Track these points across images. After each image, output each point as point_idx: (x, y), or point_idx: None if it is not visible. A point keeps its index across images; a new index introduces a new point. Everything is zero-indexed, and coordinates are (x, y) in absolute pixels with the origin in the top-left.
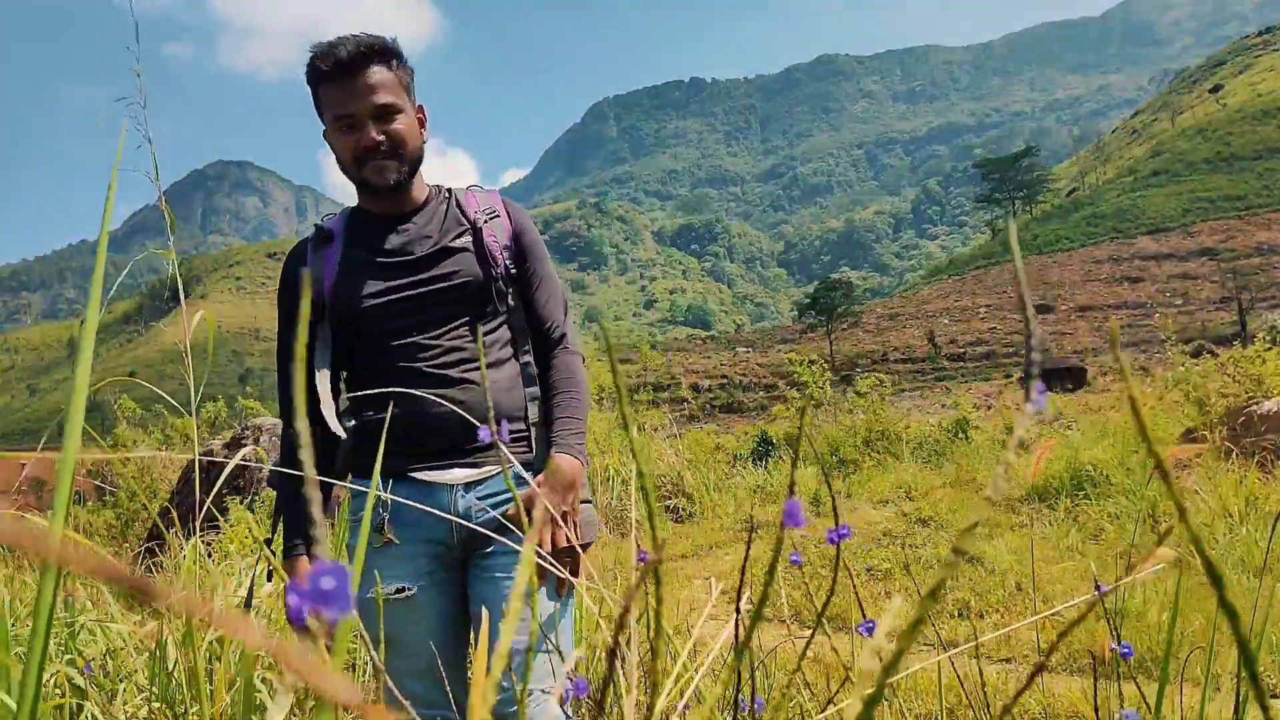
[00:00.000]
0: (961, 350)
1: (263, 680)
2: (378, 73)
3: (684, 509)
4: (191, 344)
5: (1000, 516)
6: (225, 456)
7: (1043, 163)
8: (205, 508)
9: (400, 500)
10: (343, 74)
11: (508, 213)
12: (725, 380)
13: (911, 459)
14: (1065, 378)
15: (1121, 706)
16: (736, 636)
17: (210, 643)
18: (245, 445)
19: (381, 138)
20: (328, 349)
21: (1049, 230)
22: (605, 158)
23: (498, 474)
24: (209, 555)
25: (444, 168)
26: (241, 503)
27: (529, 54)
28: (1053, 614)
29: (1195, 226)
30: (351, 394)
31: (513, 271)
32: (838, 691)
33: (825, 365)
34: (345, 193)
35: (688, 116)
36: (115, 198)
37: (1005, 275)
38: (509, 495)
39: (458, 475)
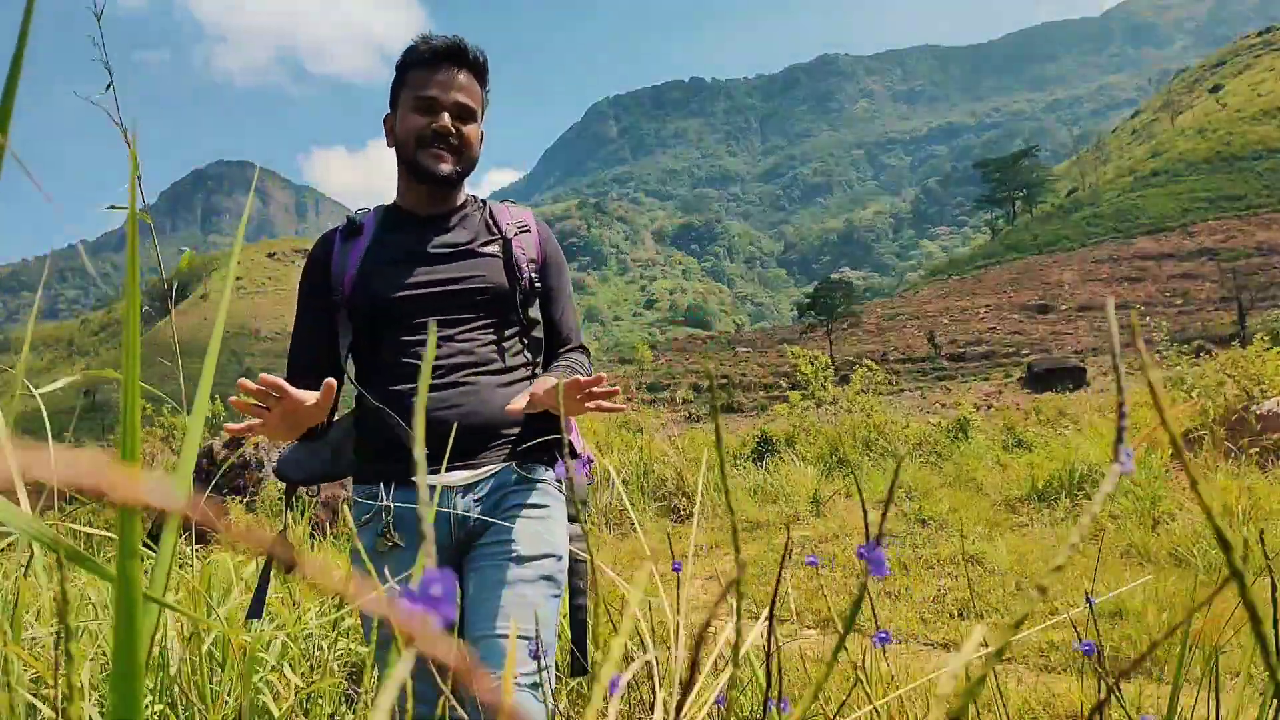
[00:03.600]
0: (961, 350)
1: (265, 683)
2: (469, 79)
3: (684, 509)
4: (187, 340)
5: (1000, 516)
6: (225, 456)
7: (1043, 163)
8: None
9: (403, 505)
10: (439, 61)
11: (537, 228)
12: (725, 380)
13: (911, 459)
14: (1065, 378)
15: (1124, 706)
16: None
17: (212, 645)
18: (244, 445)
19: (454, 130)
20: (348, 339)
21: (1049, 230)
22: (605, 158)
23: (491, 475)
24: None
25: None
26: (241, 502)
27: (526, 55)
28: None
29: (1195, 226)
30: (357, 387)
31: (536, 285)
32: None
33: (829, 362)
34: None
35: (688, 116)
36: (113, 199)
37: (1005, 275)
38: (501, 494)
39: (455, 478)
